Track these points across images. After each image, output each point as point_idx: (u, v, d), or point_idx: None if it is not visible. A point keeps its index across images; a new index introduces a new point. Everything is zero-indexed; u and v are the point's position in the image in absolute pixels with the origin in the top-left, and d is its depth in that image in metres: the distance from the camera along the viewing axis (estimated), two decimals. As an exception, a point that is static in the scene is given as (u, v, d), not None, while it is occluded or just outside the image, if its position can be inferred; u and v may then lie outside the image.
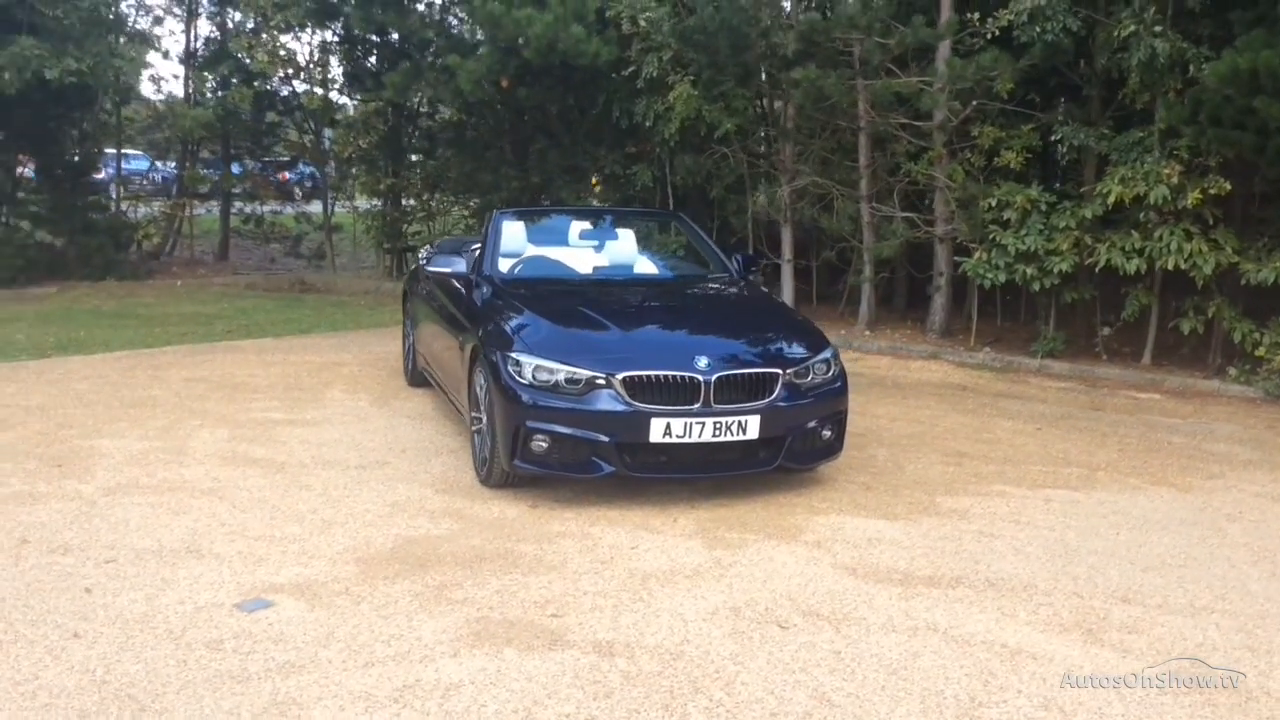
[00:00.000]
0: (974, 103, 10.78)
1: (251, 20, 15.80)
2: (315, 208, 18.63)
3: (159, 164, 21.24)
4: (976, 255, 10.65)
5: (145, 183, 21.38)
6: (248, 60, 15.16)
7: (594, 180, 13.41)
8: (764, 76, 12.04)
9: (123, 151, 19.29)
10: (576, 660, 4.05)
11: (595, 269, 7.38)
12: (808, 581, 4.87)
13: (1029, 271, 10.27)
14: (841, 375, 6.25)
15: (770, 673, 3.98)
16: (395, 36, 13.95)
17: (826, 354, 6.20)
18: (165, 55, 18.79)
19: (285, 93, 17.12)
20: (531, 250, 7.37)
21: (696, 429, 5.66)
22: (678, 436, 5.65)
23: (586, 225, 7.87)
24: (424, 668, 3.97)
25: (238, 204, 19.07)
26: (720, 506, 5.88)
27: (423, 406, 8.17)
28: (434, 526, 5.52)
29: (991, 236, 10.46)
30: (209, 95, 16.14)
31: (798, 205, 12.45)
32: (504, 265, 7.20)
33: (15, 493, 5.96)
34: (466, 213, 15.67)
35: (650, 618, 4.45)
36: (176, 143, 18.49)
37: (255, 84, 15.39)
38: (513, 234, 7.42)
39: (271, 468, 6.50)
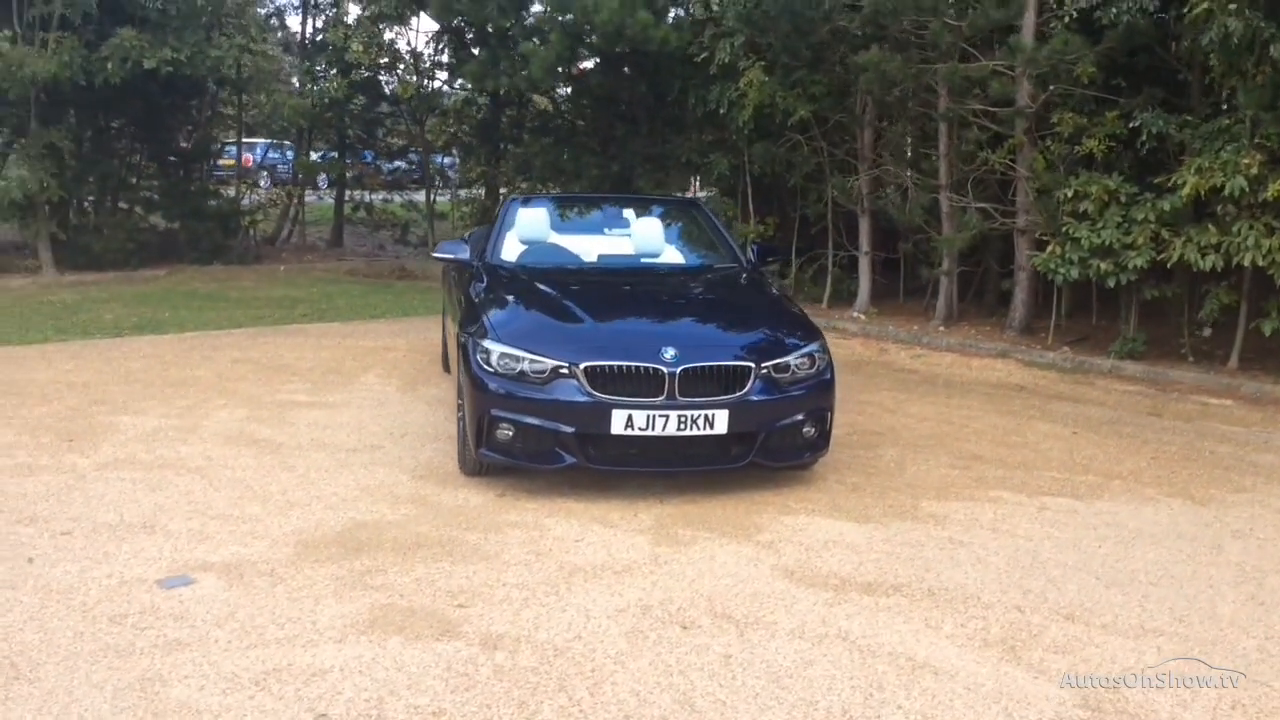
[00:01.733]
0: (1051, 88, 10.26)
1: (356, 10, 16.14)
2: (422, 196, 18.95)
3: (279, 153, 21.91)
4: (1049, 249, 10.15)
5: (267, 171, 22.07)
6: (345, 51, 15.47)
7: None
8: (839, 61, 11.69)
9: (244, 140, 19.97)
10: (457, 652, 3.98)
11: (601, 257, 7.27)
12: (738, 583, 4.69)
13: (1103, 267, 9.72)
14: (827, 370, 6.01)
15: (647, 674, 3.83)
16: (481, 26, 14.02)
17: (810, 348, 5.97)
18: (285, 49, 18.79)
19: (392, 84, 17.42)
20: (541, 238, 7.30)
21: (660, 422, 5.52)
22: (640, 429, 5.52)
23: (600, 213, 7.76)
24: (303, 652, 3.96)
25: (351, 192, 19.54)
26: (689, 503, 5.72)
27: (446, 393, 8.20)
28: (391, 512, 5.52)
29: (1065, 229, 9.95)
30: (311, 85, 16.52)
31: (875, 195, 12.07)
32: (509, 253, 7.16)
33: (17, 464, 6.19)
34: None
35: (555, 612, 4.35)
36: (293, 131, 19.02)
37: (352, 74, 15.69)
38: (524, 221, 7.38)
39: (267, 449, 6.60)
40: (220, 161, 24.72)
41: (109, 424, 7.07)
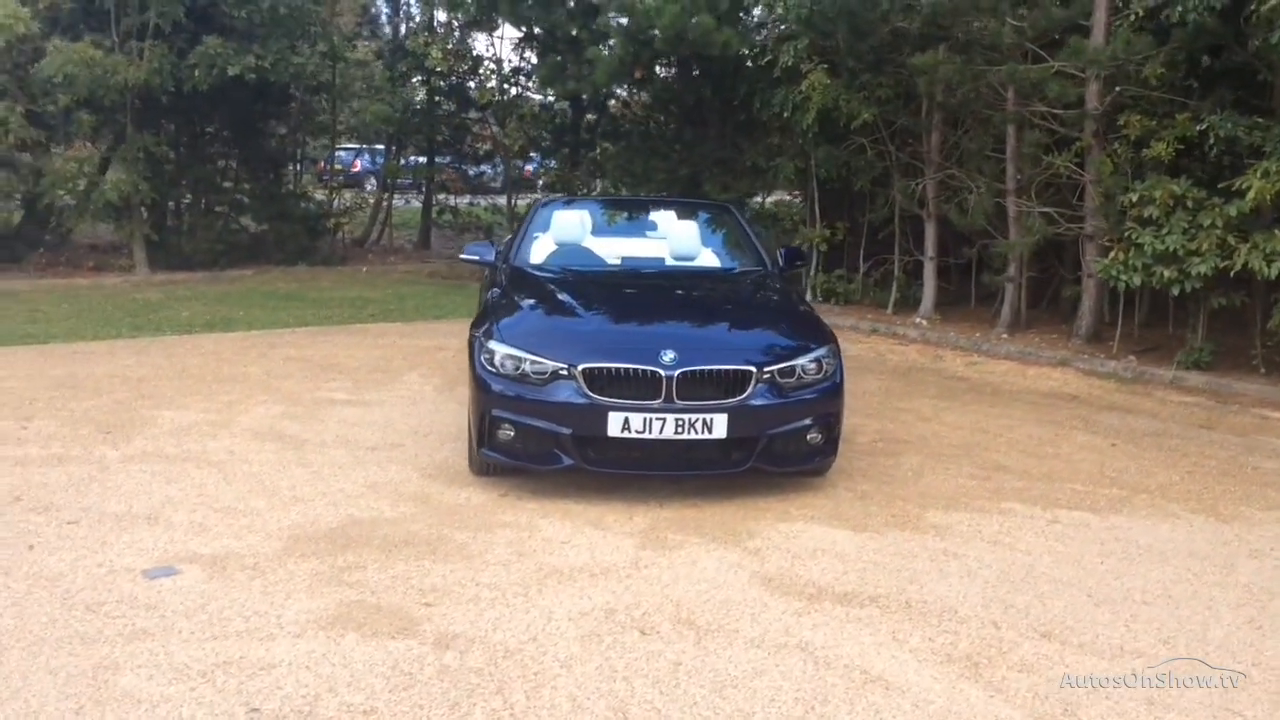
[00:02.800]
0: (1117, 89, 9.94)
1: (440, 18, 16.36)
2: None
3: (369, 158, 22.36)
4: (1112, 255, 9.83)
5: (375, 176, 22.49)
6: (425, 58, 15.73)
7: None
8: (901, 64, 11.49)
9: (343, 146, 20.44)
10: (408, 650, 4.02)
11: (625, 260, 7.27)
12: (712, 589, 4.64)
13: (1167, 274, 9.38)
14: (835, 375, 5.91)
15: (590, 679, 3.82)
16: (551, 31, 14.14)
17: (818, 353, 5.88)
18: (379, 56, 19.14)
19: (474, 90, 17.66)
20: (568, 240, 7.32)
21: (657, 425, 5.49)
22: (637, 432, 5.50)
23: (629, 216, 7.76)
24: (258, 646, 4.03)
25: (439, 195, 19.87)
26: (689, 507, 5.68)
27: (481, 393, 8.26)
28: (391, 509, 5.59)
29: (1128, 234, 9.62)
30: (394, 92, 16.83)
31: (941, 200, 11.84)
32: (533, 255, 7.21)
33: (50, 454, 6.42)
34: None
35: (518, 613, 4.36)
36: (383, 137, 19.41)
37: (432, 81, 15.95)
38: (551, 224, 7.42)
39: (291, 444, 6.74)
40: (329, 167, 25.45)
41: (149, 418, 7.29)
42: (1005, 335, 11.38)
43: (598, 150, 15.98)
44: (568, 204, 8.25)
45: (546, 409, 5.59)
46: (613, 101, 15.87)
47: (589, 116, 16.82)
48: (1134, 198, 9.70)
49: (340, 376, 8.78)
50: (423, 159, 19.74)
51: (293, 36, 14.52)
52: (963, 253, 12.43)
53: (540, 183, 18.39)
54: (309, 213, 17.30)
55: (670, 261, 7.26)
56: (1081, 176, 10.45)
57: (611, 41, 12.05)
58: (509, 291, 6.53)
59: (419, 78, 16.24)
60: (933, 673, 3.93)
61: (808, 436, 5.80)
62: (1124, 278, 9.66)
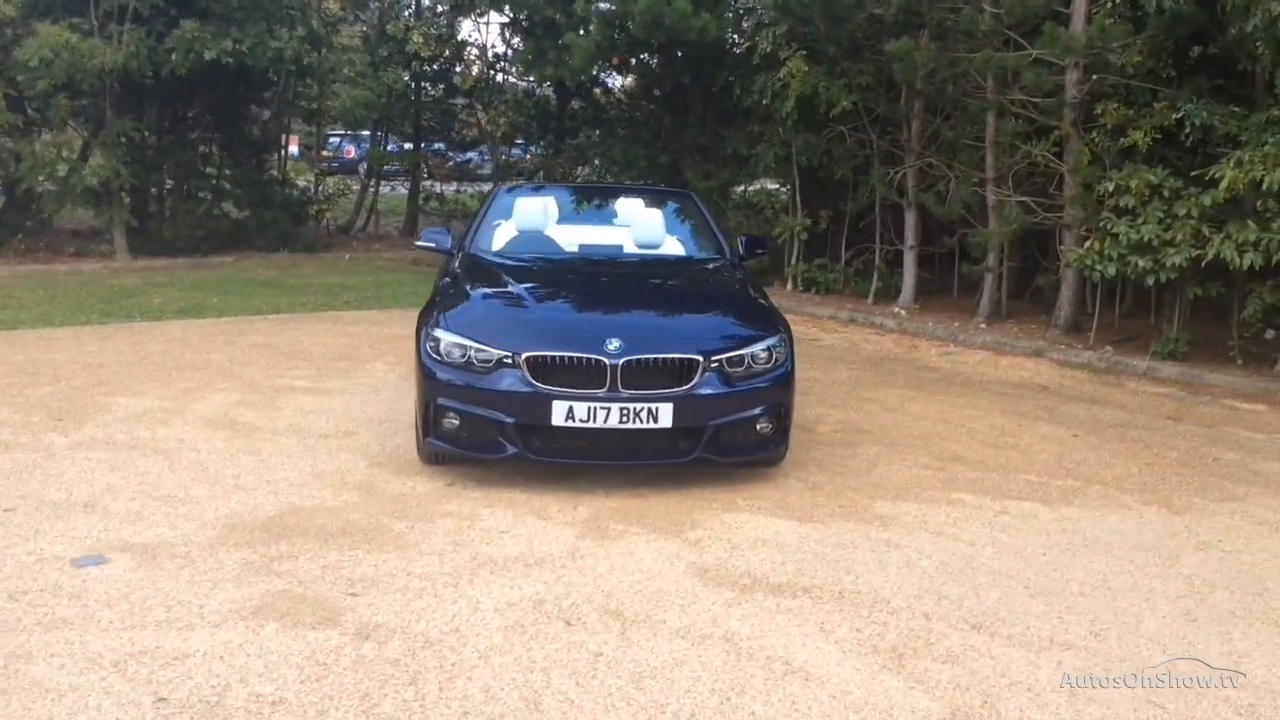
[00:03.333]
0: (1094, 77, 9.85)
1: (425, 2, 16.21)
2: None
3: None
4: (1087, 245, 9.76)
5: (346, 159, 22.41)
6: (406, 43, 15.61)
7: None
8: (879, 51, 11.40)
9: (332, 131, 20.30)
10: (326, 641, 3.96)
11: (582, 248, 7.19)
12: (646, 579, 4.58)
13: (1142, 264, 9.30)
14: (784, 365, 5.84)
15: (506, 671, 3.76)
16: (531, 16, 14.04)
17: (768, 342, 5.81)
18: (366, 41, 18.93)
19: (457, 75, 17.53)
20: (526, 227, 7.25)
21: (601, 414, 5.43)
22: (581, 421, 5.44)
23: (589, 203, 7.68)
24: (176, 635, 3.97)
25: (426, 182, 19.77)
26: (636, 497, 5.62)
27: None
28: (333, 498, 5.53)
29: (1103, 224, 9.55)
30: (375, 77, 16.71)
31: (921, 189, 11.76)
32: (489, 242, 7.14)
33: (-3, 441, 6.35)
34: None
35: (445, 604, 4.30)
36: (369, 123, 19.29)
37: (413, 66, 15.84)
38: (508, 211, 7.34)
39: (242, 432, 6.68)
40: (323, 152, 25.34)
41: (103, 405, 7.23)
42: (984, 325, 11.31)
43: (581, 137, 15.87)
44: (528, 191, 8.18)
45: (491, 398, 5.53)
46: (596, 89, 15.73)
47: (573, 103, 16.71)
48: (1110, 187, 9.62)
49: (304, 364, 8.72)
50: (409, 145, 19.64)
51: (271, 20, 14.39)
52: (943, 242, 12.34)
53: (528, 169, 18.26)
54: (291, 199, 17.20)
55: (629, 249, 7.19)
56: (1059, 165, 10.34)
57: (590, 27, 11.93)
58: (460, 279, 6.47)
59: (401, 63, 16.08)
60: (855, 664, 3.88)
61: (757, 426, 5.74)
62: (1099, 268, 9.60)
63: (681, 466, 5.75)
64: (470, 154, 19.62)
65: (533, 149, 16.71)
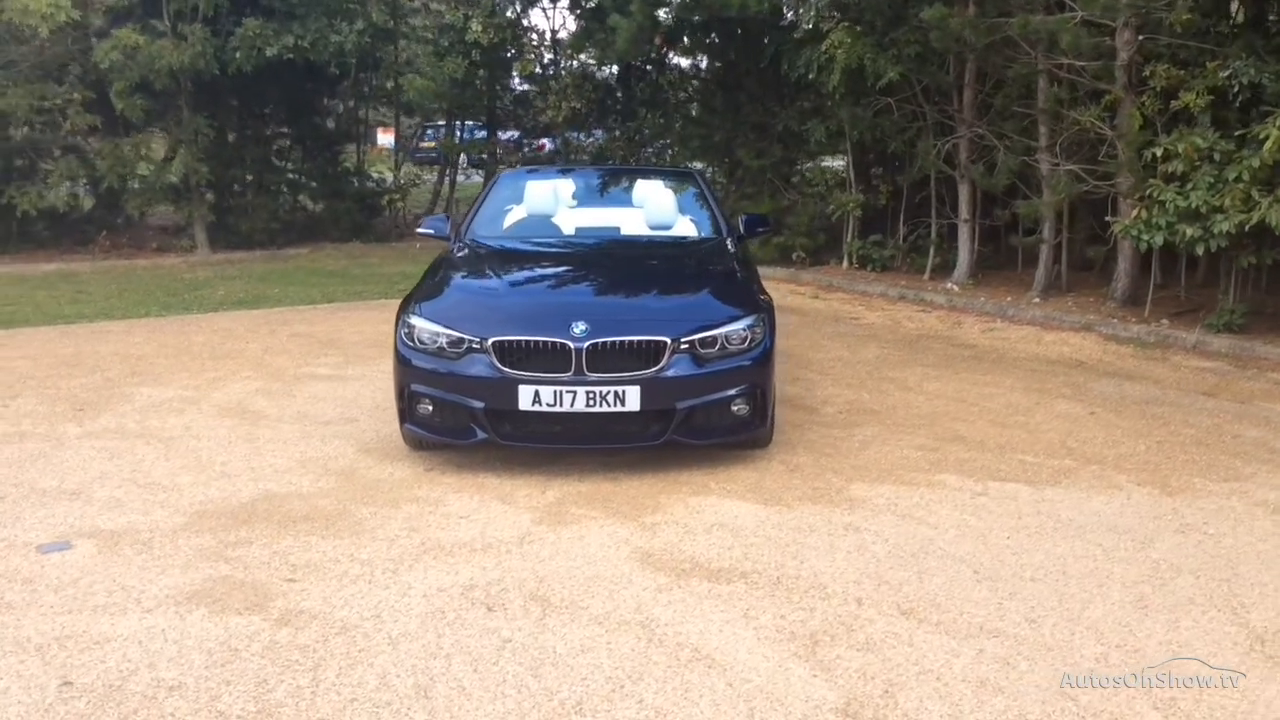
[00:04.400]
0: (1140, 38, 9.44)
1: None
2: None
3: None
4: (1135, 213, 9.36)
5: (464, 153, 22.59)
6: (465, 31, 15.72)
7: None
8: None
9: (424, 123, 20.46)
10: (246, 626, 4.02)
11: (580, 230, 7.16)
12: (585, 564, 4.56)
13: (1190, 232, 8.89)
14: (760, 346, 5.72)
15: (410, 657, 3.78)
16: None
17: (744, 323, 5.71)
18: (430, 36, 19.01)
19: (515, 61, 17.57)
20: (526, 211, 7.25)
21: (568, 398, 5.41)
22: (548, 405, 5.42)
23: (590, 184, 7.64)
24: (105, 621, 4.08)
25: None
26: (609, 480, 5.59)
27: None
28: (310, 484, 5.62)
29: (1149, 191, 9.15)
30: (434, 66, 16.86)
31: (971, 159, 11.43)
32: (486, 227, 7.16)
33: (15, 431, 6.62)
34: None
35: (376, 589, 4.33)
36: (444, 112, 19.50)
37: (472, 54, 15.94)
38: (509, 194, 7.37)
39: (249, 420, 6.83)
40: (421, 145, 25.71)
41: (127, 394, 7.46)
42: (1038, 300, 10.96)
43: (638, 119, 15.80)
44: (528, 175, 8.17)
45: (461, 383, 5.55)
46: (649, 70, 15.64)
47: (635, 86, 16.64)
48: (1158, 152, 9.21)
49: (334, 352, 8.87)
50: (483, 133, 19.79)
51: (332, 15, 14.64)
52: (998, 214, 11.97)
53: (592, 153, 18.26)
54: (363, 191, 17.51)
55: (627, 231, 7.13)
56: (1106, 131, 9.94)
57: (632, 7, 11.85)
58: (445, 265, 6.50)
59: (461, 52, 16.18)
60: (766, 651, 3.79)
61: (733, 408, 5.65)
62: (1145, 237, 9.20)
63: (656, 450, 5.68)
64: (544, 140, 19.66)
65: (594, 134, 16.68)
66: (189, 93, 15.65)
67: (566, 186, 7.57)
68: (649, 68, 15.72)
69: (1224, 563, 4.53)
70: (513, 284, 6.10)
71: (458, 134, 19.79)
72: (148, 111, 15.37)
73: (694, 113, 14.50)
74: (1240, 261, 9.12)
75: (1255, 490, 5.43)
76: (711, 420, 5.65)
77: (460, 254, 6.70)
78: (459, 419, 5.62)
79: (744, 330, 5.69)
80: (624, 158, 15.85)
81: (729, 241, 6.99)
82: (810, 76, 11.97)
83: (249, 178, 17.03)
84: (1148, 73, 9.59)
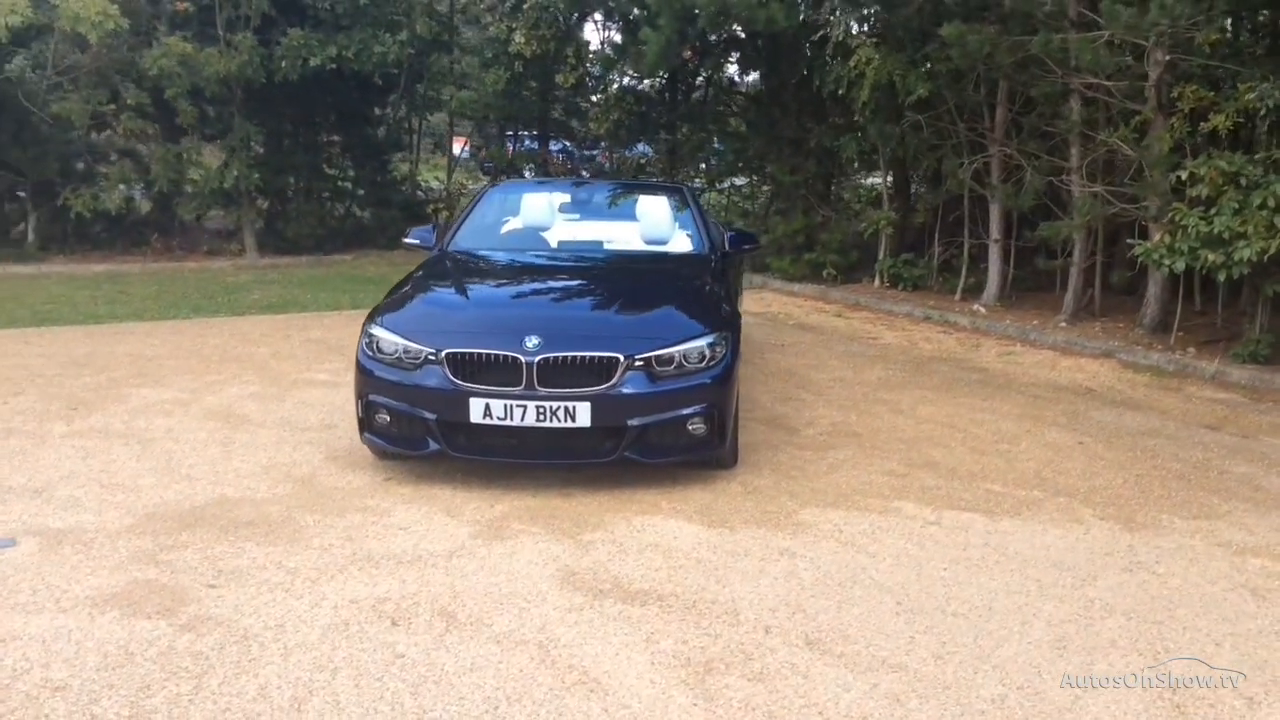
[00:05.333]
0: (1166, 58, 9.18)
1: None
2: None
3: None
4: (1157, 237, 9.11)
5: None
6: (509, 43, 15.83)
7: None
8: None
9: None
10: (151, 631, 4.05)
11: (562, 244, 7.15)
12: (506, 581, 4.53)
13: (1212, 258, 8.62)
14: (720, 364, 5.64)
15: (297, 670, 3.77)
16: (611, 13, 14.03)
17: (704, 340, 5.63)
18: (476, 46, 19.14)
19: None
20: (512, 224, 7.26)
21: (518, 412, 5.38)
22: (498, 418, 5.41)
23: (578, 198, 7.61)
24: (20, 619, 4.14)
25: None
26: (561, 496, 5.56)
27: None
28: (267, 490, 5.66)
29: (1171, 215, 8.90)
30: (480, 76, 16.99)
31: (1001, 178, 11.21)
32: (468, 239, 7.18)
33: (3, 428, 6.76)
34: (698, 185, 15.57)
35: (291, 599, 4.34)
36: (495, 122, 19.65)
37: (515, 66, 16.03)
38: (496, 207, 7.37)
39: (231, 424, 6.91)
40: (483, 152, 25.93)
41: (124, 395, 7.60)
42: (1064, 324, 10.70)
43: (678, 133, 15.77)
44: (518, 187, 8.18)
45: (415, 394, 5.56)
46: (680, 84, 15.60)
47: (677, 98, 16.60)
48: (1183, 175, 8.95)
49: (339, 359, 8.95)
50: (534, 144, 19.90)
51: (377, 26, 14.83)
52: (1027, 235, 11.73)
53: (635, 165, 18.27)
54: (411, 199, 17.70)
55: (610, 246, 7.10)
56: (1131, 153, 9.68)
57: (660, 20, 11.82)
58: (415, 276, 6.53)
59: (504, 64, 16.30)
60: (655, 677, 3.72)
61: (689, 427, 5.58)
62: (1167, 262, 8.93)
63: (617, 467, 5.62)
64: (594, 151, 19.73)
65: (639, 148, 16.70)
66: (240, 100, 15.95)
67: (556, 200, 7.56)
68: (691, 81, 15.68)
69: (1163, 604, 4.36)
70: (475, 296, 6.10)
71: (511, 144, 19.90)
72: (200, 118, 15.68)
73: (731, 127, 14.39)
74: (1266, 290, 8.81)
75: (1223, 529, 5.22)
76: (667, 439, 5.59)
77: (435, 265, 6.73)
78: (414, 430, 5.63)
79: (703, 348, 5.62)
80: (663, 171, 15.82)
81: (712, 258, 6.91)
82: (840, 92, 11.82)
83: (298, 184, 17.29)
84: (1175, 94, 9.32)
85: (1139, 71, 9.52)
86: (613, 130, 15.99)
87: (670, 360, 5.54)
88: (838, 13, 11.08)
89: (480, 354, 5.46)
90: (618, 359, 5.43)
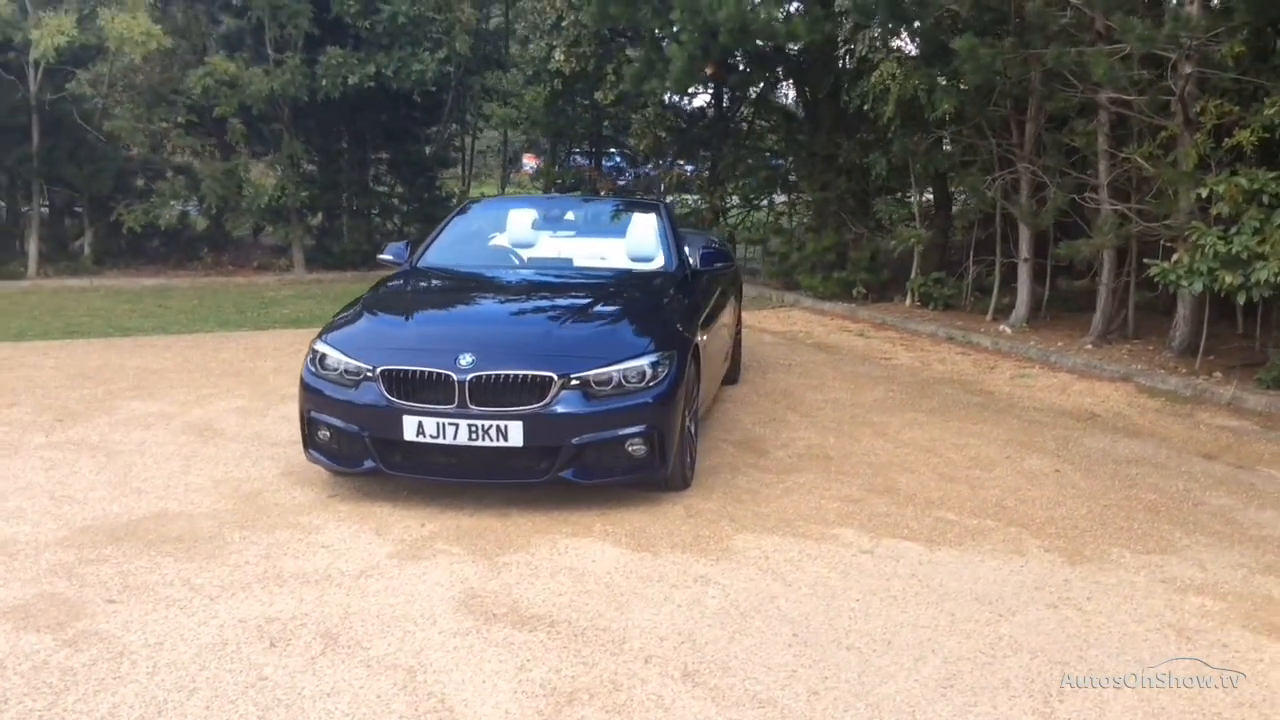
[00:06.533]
0: (1189, 71, 8.84)
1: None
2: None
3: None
4: (1175, 257, 8.76)
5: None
6: (548, 60, 15.87)
7: None
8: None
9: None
10: (32, 645, 4.06)
11: (533, 261, 7.10)
12: (402, 603, 4.46)
13: (1230, 279, 8.25)
14: (662, 384, 5.52)
15: (155, 690, 3.74)
16: (637, 30, 13.94)
17: (645, 360, 5.52)
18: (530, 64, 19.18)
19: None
20: (484, 241, 7.25)
21: (450, 430, 5.33)
22: (431, 436, 5.36)
23: (551, 215, 7.54)
24: (-88, 629, 4.17)
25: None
26: (496, 517, 5.49)
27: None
28: (209, 505, 5.68)
29: (1189, 234, 8.55)
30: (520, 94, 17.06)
31: (1029, 196, 10.91)
32: (438, 257, 7.24)
33: (-18, 439, 6.89)
34: (740, 203, 15.41)
35: (181, 617, 4.32)
36: (545, 139, 19.75)
37: (553, 83, 16.07)
38: (469, 225, 7.38)
39: (206, 437, 6.97)
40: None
41: (114, 408, 7.72)
42: (1090, 346, 10.34)
43: (715, 150, 15.66)
44: (493, 205, 8.15)
45: (353, 411, 5.54)
46: (708, 100, 15.51)
47: (724, 115, 16.50)
48: (1203, 192, 8.60)
49: (337, 373, 8.96)
50: (586, 160, 19.94)
51: (417, 45, 14.99)
52: (1057, 254, 11.36)
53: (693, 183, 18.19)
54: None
55: (579, 263, 7.03)
56: (1150, 170, 9.33)
57: (682, 37, 11.74)
58: (371, 294, 6.54)
59: (545, 81, 16.36)
60: (514, 707, 3.62)
61: (628, 447, 5.46)
62: (1185, 283, 8.57)
63: (567, 487, 5.52)
64: (646, 168, 19.69)
65: (681, 164, 16.64)
66: (289, 118, 16.22)
67: (529, 218, 7.50)
68: (731, 96, 15.56)
69: (1076, 644, 4.13)
70: (420, 314, 6.06)
71: (563, 160, 19.96)
72: (251, 136, 15.99)
73: (767, 144, 14.24)
74: (1287, 312, 8.41)
75: (1173, 565, 4.95)
76: (606, 460, 5.48)
77: (392, 282, 6.73)
78: (353, 447, 5.60)
79: (644, 367, 5.50)
80: (701, 188, 15.73)
81: (679, 276, 6.80)
82: (865, 107, 11.61)
83: (347, 201, 17.53)
84: (1198, 108, 8.96)
85: (1162, 85, 9.17)
86: (654, 146, 15.92)
87: (608, 380, 5.43)
88: (855, 26, 10.85)
89: (414, 371, 5.42)
90: (551, 378, 5.35)
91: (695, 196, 16.70)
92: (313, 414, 5.69)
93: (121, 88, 16.19)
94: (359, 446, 5.56)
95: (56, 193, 16.42)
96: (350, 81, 14.45)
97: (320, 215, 17.71)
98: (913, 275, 12.78)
